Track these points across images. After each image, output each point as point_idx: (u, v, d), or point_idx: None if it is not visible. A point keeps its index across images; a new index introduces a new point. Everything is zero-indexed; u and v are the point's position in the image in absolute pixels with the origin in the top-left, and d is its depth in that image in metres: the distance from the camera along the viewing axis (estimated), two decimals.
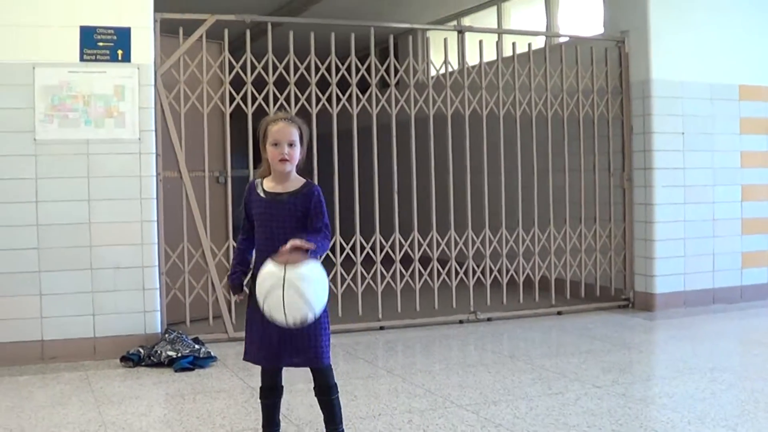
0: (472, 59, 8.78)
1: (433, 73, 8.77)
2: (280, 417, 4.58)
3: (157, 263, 7.20)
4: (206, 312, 7.76)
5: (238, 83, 7.81)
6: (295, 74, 7.98)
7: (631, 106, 9.10)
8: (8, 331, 6.79)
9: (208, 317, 7.76)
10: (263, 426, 4.52)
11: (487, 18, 12.10)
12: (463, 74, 8.64)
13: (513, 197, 8.93)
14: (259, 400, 4.55)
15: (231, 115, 7.89)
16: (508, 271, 8.88)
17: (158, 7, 7.28)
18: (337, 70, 8.19)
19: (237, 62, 7.82)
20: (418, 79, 8.67)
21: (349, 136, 8.20)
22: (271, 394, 4.46)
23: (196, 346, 6.86)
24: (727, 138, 9.28)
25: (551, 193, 9.00)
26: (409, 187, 8.57)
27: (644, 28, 8.91)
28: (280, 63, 7.92)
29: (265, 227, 4.29)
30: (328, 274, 7.23)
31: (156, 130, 7.25)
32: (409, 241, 8.46)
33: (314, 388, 4.43)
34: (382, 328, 8.22)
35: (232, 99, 7.83)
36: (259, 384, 4.49)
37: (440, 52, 8.68)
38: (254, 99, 7.84)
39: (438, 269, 8.57)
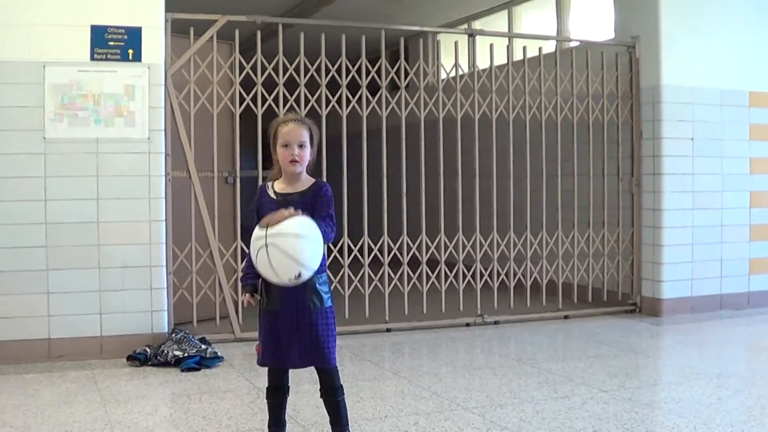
0: (482, 63, 8.78)
1: (443, 76, 8.77)
2: (286, 417, 4.59)
3: (164, 263, 7.21)
4: (213, 312, 7.77)
5: (248, 84, 7.82)
6: (305, 76, 7.99)
7: (641, 112, 9.09)
8: (15, 329, 6.80)
9: (215, 317, 7.76)
10: (269, 426, 4.53)
11: (497, 22, 12.10)
12: (474, 78, 8.64)
13: (522, 201, 8.93)
14: (265, 400, 4.56)
15: (241, 115, 7.89)
16: (515, 274, 8.87)
17: (169, 7, 7.29)
18: (348, 71, 8.20)
19: (247, 63, 7.83)
20: (428, 81, 8.68)
21: (358, 138, 8.21)
22: (277, 394, 4.47)
23: (203, 346, 6.87)
24: (736, 144, 9.26)
25: (560, 197, 8.99)
26: (417, 189, 8.58)
27: (655, 34, 8.90)
28: (291, 64, 7.92)
29: None
30: (335, 276, 7.26)
31: (165, 130, 7.26)
32: (417, 244, 8.46)
33: (320, 389, 4.43)
34: (388, 330, 8.22)
35: (242, 99, 7.84)
36: (266, 384, 4.49)
37: (451, 56, 8.68)
38: (264, 100, 7.85)
39: (445, 272, 8.56)
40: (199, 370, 6.59)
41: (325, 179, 7.74)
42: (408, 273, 8.41)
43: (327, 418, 4.46)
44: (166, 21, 7.30)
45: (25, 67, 6.82)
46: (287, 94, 7.88)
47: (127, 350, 6.85)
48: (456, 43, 8.61)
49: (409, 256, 8.44)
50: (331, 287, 4.50)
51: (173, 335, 7.02)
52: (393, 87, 8.67)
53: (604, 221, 9.15)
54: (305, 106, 7.91)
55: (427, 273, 8.49)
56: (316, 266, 4.08)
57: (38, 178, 6.84)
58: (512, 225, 8.85)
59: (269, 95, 7.84)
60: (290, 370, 4.46)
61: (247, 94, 7.81)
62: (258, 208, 4.42)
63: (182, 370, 6.55)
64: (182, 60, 7.54)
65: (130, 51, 7.05)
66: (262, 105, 7.85)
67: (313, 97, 7.99)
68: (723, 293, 9.26)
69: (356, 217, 8.17)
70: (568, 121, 8.99)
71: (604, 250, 9.17)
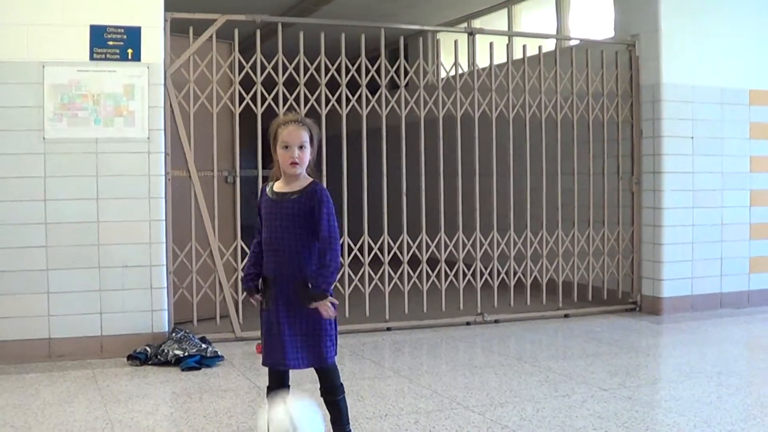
0: (482, 61, 8.78)
1: (443, 74, 8.77)
2: None
3: (164, 262, 7.22)
4: (213, 311, 7.77)
5: (247, 83, 7.82)
6: (305, 75, 7.99)
7: (641, 110, 9.09)
8: (16, 329, 6.81)
9: (215, 316, 7.77)
10: None
11: (497, 20, 12.10)
12: (473, 76, 8.64)
13: (522, 199, 8.93)
14: (266, 400, 4.55)
15: (240, 115, 7.89)
16: (515, 273, 8.88)
17: (168, 7, 7.29)
18: (347, 71, 8.20)
19: (247, 62, 7.83)
20: (428, 80, 8.68)
21: (358, 137, 8.21)
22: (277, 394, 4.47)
23: (203, 346, 6.87)
24: (736, 143, 9.26)
25: (560, 195, 8.99)
26: (417, 188, 8.58)
27: (655, 32, 8.90)
28: (290, 63, 7.92)
29: (270, 226, 4.31)
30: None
31: (165, 130, 7.26)
32: (417, 243, 8.46)
33: (320, 388, 4.44)
34: (389, 329, 8.22)
35: (241, 99, 7.84)
36: (266, 383, 4.50)
37: (450, 54, 8.68)
38: (264, 99, 7.85)
39: (446, 271, 8.56)
40: (199, 369, 6.60)
41: (325, 178, 7.76)
42: (408, 272, 8.41)
43: (328, 417, 4.46)
44: (166, 20, 7.30)
45: (25, 67, 6.82)
46: (287, 93, 7.88)
47: (128, 350, 6.86)
48: (456, 42, 8.61)
49: (409, 255, 8.44)
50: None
51: (173, 334, 7.03)
52: (393, 86, 8.67)
53: (604, 220, 9.15)
54: (305, 106, 7.91)
55: (427, 272, 8.49)
56: None
57: (38, 178, 6.84)
58: (512, 224, 8.85)
59: (269, 94, 7.83)
60: (291, 370, 4.46)
61: (247, 94, 7.81)
62: (258, 207, 4.45)
63: (182, 370, 6.56)
64: (182, 59, 7.54)
65: (130, 51, 7.05)
66: (262, 104, 7.85)
67: (312, 96, 7.99)
68: (723, 292, 9.27)
69: (356, 216, 8.17)
70: (568, 119, 8.99)
71: (604, 248, 9.17)
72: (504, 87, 8.78)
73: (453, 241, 8.63)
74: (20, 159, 6.81)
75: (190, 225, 7.62)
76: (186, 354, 6.68)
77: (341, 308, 7.82)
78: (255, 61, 7.83)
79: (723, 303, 9.25)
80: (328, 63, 8.08)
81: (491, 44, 8.77)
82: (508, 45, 8.96)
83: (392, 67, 8.45)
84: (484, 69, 8.77)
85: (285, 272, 4.25)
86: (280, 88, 7.87)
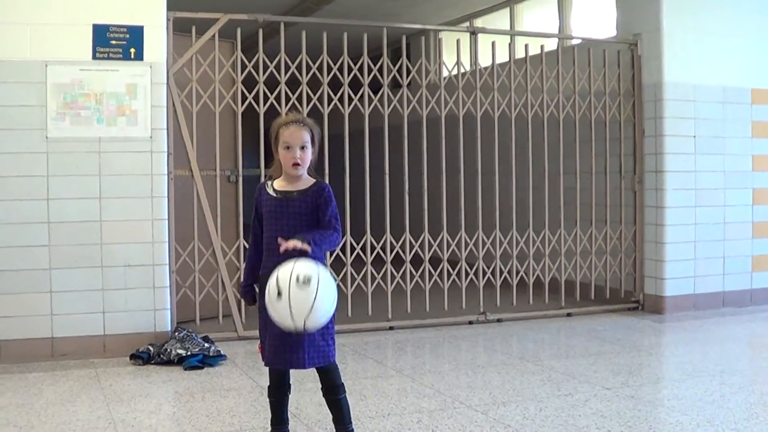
0: (484, 60, 8.78)
1: (445, 74, 8.78)
2: (289, 415, 4.59)
3: (167, 261, 7.22)
4: (216, 310, 7.78)
5: (250, 82, 7.83)
6: (307, 74, 7.99)
7: (643, 109, 9.09)
8: (19, 328, 6.81)
9: (218, 316, 7.78)
10: (272, 424, 4.54)
11: (499, 19, 12.09)
12: (476, 75, 8.64)
13: (524, 199, 8.93)
14: (267, 399, 4.56)
15: (243, 114, 7.90)
16: (518, 272, 8.88)
17: (171, 6, 7.29)
18: (350, 70, 8.19)
19: (249, 61, 7.83)
20: (430, 79, 8.67)
21: (360, 137, 8.20)
22: (278, 393, 4.48)
23: (206, 345, 6.87)
24: (738, 141, 9.26)
25: (562, 195, 8.99)
26: (420, 187, 8.57)
27: (657, 31, 8.90)
28: (293, 62, 7.92)
29: (274, 226, 4.32)
30: (338, 274, 7.28)
31: (168, 129, 7.26)
32: (419, 242, 8.46)
33: (321, 388, 4.44)
34: (391, 328, 8.22)
35: (244, 98, 7.85)
36: (267, 383, 4.50)
37: (452, 53, 8.68)
38: (266, 98, 7.85)
39: (448, 270, 8.57)
40: (202, 368, 6.60)
41: (327, 178, 7.76)
42: (411, 271, 8.41)
43: (330, 416, 4.47)
44: (168, 20, 7.30)
45: (27, 66, 6.82)
46: (289, 92, 7.89)
47: (130, 349, 6.86)
48: (458, 41, 8.61)
49: (412, 254, 8.44)
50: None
51: (176, 334, 7.03)
52: (395, 85, 8.67)
53: (606, 219, 9.15)
54: (307, 105, 7.91)
55: (429, 271, 8.49)
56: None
57: (41, 177, 6.84)
58: (515, 222, 8.85)
59: (271, 94, 7.84)
60: (291, 369, 4.47)
61: (249, 93, 7.81)
62: (257, 206, 4.45)
63: (185, 369, 6.56)
64: (184, 59, 7.54)
65: (132, 50, 7.06)
66: (264, 103, 7.85)
67: (315, 95, 7.98)
68: (726, 290, 9.26)
69: (358, 216, 8.17)
70: (570, 118, 8.99)
71: (606, 247, 9.17)
72: (506, 86, 8.78)
73: (455, 240, 8.63)
74: (23, 158, 6.81)
75: (192, 224, 7.63)
76: (189, 353, 6.68)
77: (344, 307, 7.84)
78: (257, 61, 7.83)
79: (725, 302, 9.24)
80: (330, 62, 8.08)
81: (493, 43, 8.76)
82: (510, 44, 8.96)
83: (394, 66, 8.45)
84: (486, 68, 8.77)
85: None
86: (283, 88, 7.87)
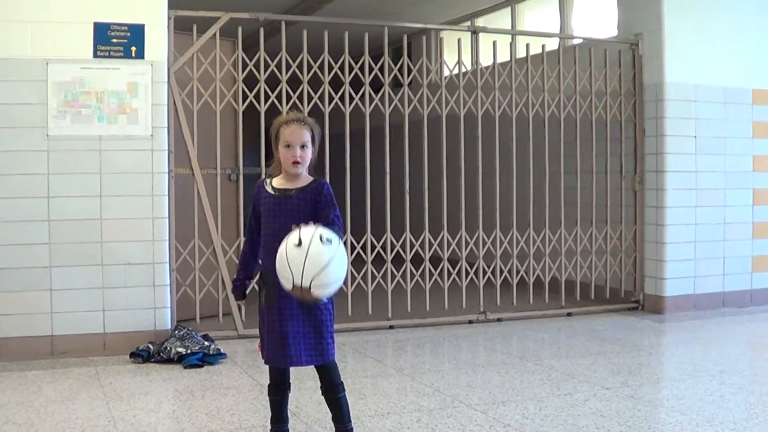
0: (485, 60, 8.78)
1: (446, 73, 8.78)
2: (289, 414, 4.59)
3: (167, 260, 7.22)
4: (216, 309, 7.78)
5: (251, 81, 7.83)
6: (308, 73, 7.99)
7: (644, 109, 9.09)
8: (19, 326, 6.82)
9: (218, 314, 7.78)
10: (272, 422, 4.54)
11: (500, 19, 12.09)
12: (477, 75, 8.64)
13: (524, 198, 8.93)
14: (267, 397, 4.57)
15: (243, 112, 7.90)
16: (518, 271, 8.88)
17: (172, 5, 7.29)
18: (351, 69, 8.19)
19: (250, 60, 7.84)
20: (431, 79, 8.67)
21: (361, 136, 8.20)
22: (278, 391, 4.48)
23: (206, 343, 6.88)
24: (739, 142, 9.26)
25: (563, 194, 8.99)
26: (420, 186, 8.57)
27: (658, 31, 8.90)
28: (294, 61, 7.92)
29: (273, 223, 4.33)
30: None
31: (168, 127, 7.26)
32: (419, 241, 8.46)
33: (321, 386, 4.45)
34: (391, 327, 8.22)
35: (244, 97, 7.85)
36: (267, 381, 4.50)
37: (454, 53, 8.68)
38: (267, 97, 7.85)
39: (448, 269, 8.57)
40: (201, 366, 6.60)
41: (328, 177, 7.76)
42: (411, 270, 8.41)
43: (330, 414, 4.47)
44: (169, 18, 7.30)
45: (28, 64, 6.83)
46: (290, 91, 7.89)
47: (130, 347, 6.87)
48: (459, 41, 8.61)
49: (412, 253, 8.44)
50: None
51: (176, 332, 7.03)
52: (396, 84, 8.66)
53: (606, 218, 9.15)
54: (308, 104, 7.91)
55: (429, 270, 8.49)
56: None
57: (41, 175, 6.84)
58: (515, 222, 8.85)
59: (272, 92, 7.85)
60: (291, 368, 4.47)
61: (250, 91, 7.82)
62: (255, 204, 4.46)
63: (185, 367, 6.56)
64: (185, 57, 7.54)
65: (133, 48, 7.06)
66: (265, 102, 7.85)
67: (316, 94, 7.99)
68: (726, 291, 9.26)
69: (359, 215, 8.17)
70: (571, 118, 8.99)
71: (606, 247, 9.17)
72: (507, 85, 8.77)
73: (456, 240, 8.63)
74: (24, 156, 6.82)
75: (193, 222, 7.63)
76: (188, 351, 6.69)
77: (344, 306, 7.84)
78: (258, 59, 7.83)
79: (726, 302, 9.24)
80: (331, 61, 8.08)
81: (494, 43, 8.76)
82: (511, 44, 8.96)
83: (395, 65, 8.44)
84: (487, 67, 8.77)
85: None
86: (284, 86, 7.88)
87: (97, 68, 6.99)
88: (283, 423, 4.54)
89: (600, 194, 9.15)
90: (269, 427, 4.57)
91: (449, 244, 8.61)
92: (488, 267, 8.73)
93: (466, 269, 8.63)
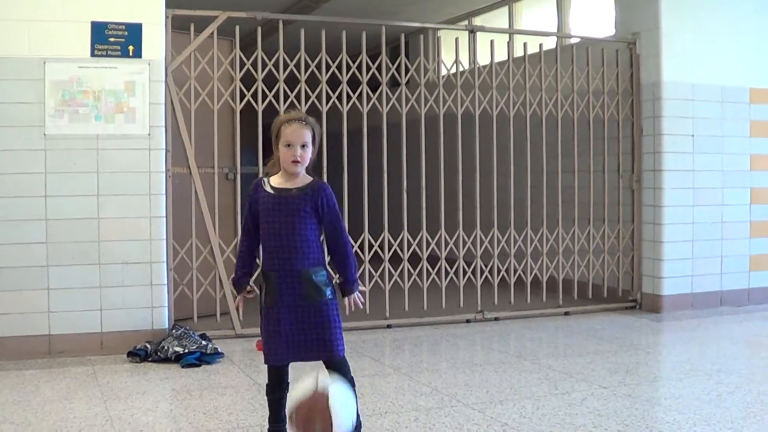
0: (483, 59, 8.78)
1: (443, 72, 8.78)
2: (286, 413, 4.59)
3: (165, 259, 7.22)
4: (213, 308, 7.78)
5: (248, 80, 7.83)
6: (305, 72, 7.98)
7: (642, 108, 9.09)
8: (16, 325, 6.81)
9: (216, 313, 7.78)
10: (269, 422, 4.54)
11: (498, 18, 12.09)
12: (474, 74, 8.64)
13: (522, 197, 8.93)
14: (265, 397, 4.57)
15: (241, 111, 7.90)
16: (516, 270, 8.88)
17: (170, 4, 7.29)
18: (348, 68, 8.19)
19: (248, 59, 7.83)
20: (428, 78, 8.67)
21: (359, 135, 8.20)
22: (277, 391, 4.48)
23: (203, 342, 6.88)
24: (736, 141, 9.26)
25: (560, 193, 8.99)
26: (418, 185, 8.57)
27: (656, 30, 8.90)
28: (291, 60, 7.92)
29: (273, 222, 4.33)
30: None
31: (166, 126, 7.26)
32: (417, 240, 8.46)
33: None
34: (389, 326, 8.22)
35: (242, 96, 7.85)
36: (266, 381, 4.50)
37: (451, 52, 8.67)
38: (264, 96, 7.85)
39: (446, 268, 8.56)
40: (199, 366, 6.60)
41: (325, 176, 7.75)
42: (408, 269, 8.41)
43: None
44: (167, 17, 7.29)
45: (26, 63, 6.82)
46: (287, 90, 7.89)
47: (128, 346, 6.86)
48: (456, 40, 8.61)
49: (410, 252, 8.44)
50: (333, 282, 4.53)
51: (173, 331, 7.02)
52: (393, 83, 8.67)
53: (604, 218, 9.15)
54: (305, 103, 7.91)
55: (427, 269, 8.49)
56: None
57: (38, 175, 6.84)
58: (513, 221, 8.85)
59: (269, 91, 7.84)
60: (289, 367, 4.47)
61: (248, 91, 7.82)
62: (252, 203, 4.45)
63: (182, 366, 6.56)
64: (183, 56, 7.54)
65: (131, 47, 7.06)
66: (263, 101, 7.85)
67: (313, 93, 7.99)
68: (723, 290, 9.27)
69: (357, 214, 8.17)
70: (568, 117, 8.99)
71: (604, 246, 9.17)
72: (505, 85, 8.78)
73: (453, 239, 8.63)
74: (21, 155, 6.81)
75: (190, 222, 7.63)
76: (186, 351, 6.68)
77: (342, 305, 7.82)
78: (256, 58, 7.83)
79: (723, 301, 9.25)
80: (329, 60, 8.08)
81: (492, 42, 8.75)
82: (508, 43, 8.95)
83: (393, 64, 8.44)
84: (485, 67, 8.77)
85: (289, 267, 4.28)
86: (281, 85, 7.87)
87: (95, 67, 6.98)
88: (281, 422, 4.53)
89: (597, 193, 9.15)
90: (267, 427, 4.57)
91: (447, 244, 8.61)
92: (486, 266, 8.73)
93: (464, 268, 8.63)
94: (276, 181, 4.41)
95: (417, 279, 8.44)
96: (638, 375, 6.37)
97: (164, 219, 7.19)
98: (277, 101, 7.85)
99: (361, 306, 4.61)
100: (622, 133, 9.14)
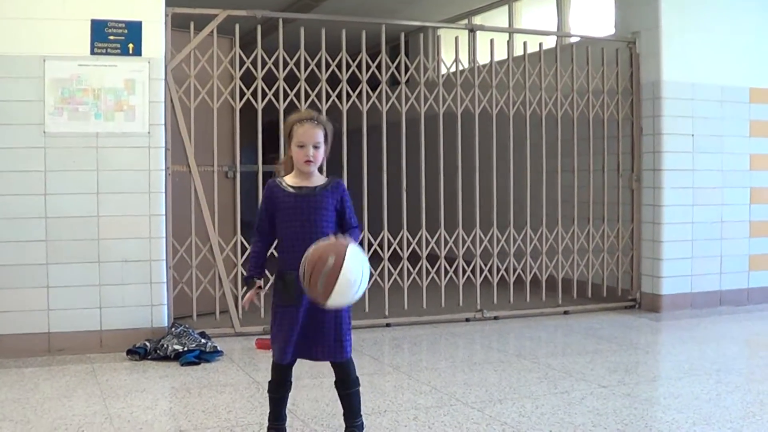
0: (482, 58, 8.77)
1: (443, 71, 8.77)
2: (286, 412, 4.60)
3: (164, 257, 7.22)
4: (213, 306, 7.78)
5: (248, 78, 7.82)
6: (305, 70, 7.98)
7: (641, 107, 9.09)
8: (15, 323, 6.81)
9: (215, 311, 7.78)
10: (270, 420, 4.54)
11: (498, 17, 12.09)
12: (474, 73, 8.63)
13: (521, 196, 8.93)
14: (266, 394, 4.58)
15: (241, 110, 7.90)
16: (515, 270, 8.87)
17: (170, 2, 7.29)
18: (348, 67, 8.18)
19: (248, 58, 7.83)
20: (428, 77, 8.67)
21: (358, 133, 8.20)
22: (280, 389, 4.49)
23: (203, 340, 6.87)
24: (736, 140, 9.26)
25: (560, 192, 8.99)
26: (417, 184, 8.57)
27: (656, 30, 8.89)
28: (291, 59, 7.92)
29: (295, 221, 4.35)
30: None
31: (166, 124, 7.26)
32: (416, 239, 8.46)
33: (335, 381, 4.48)
34: (388, 325, 8.22)
35: (242, 94, 7.85)
36: (267, 378, 4.51)
37: (451, 51, 8.67)
38: (264, 94, 7.85)
39: (445, 267, 8.56)
40: (198, 364, 6.59)
41: (324, 174, 7.73)
42: (408, 268, 8.40)
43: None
44: (167, 15, 7.29)
45: (25, 61, 6.81)
46: (287, 88, 7.89)
47: (127, 344, 6.85)
48: (456, 39, 8.60)
49: (409, 251, 8.43)
50: None
51: (173, 329, 7.02)
52: (393, 82, 8.67)
53: (603, 217, 9.15)
54: (305, 101, 7.91)
55: (426, 268, 8.49)
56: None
57: (38, 173, 6.84)
58: (512, 220, 8.85)
59: (269, 90, 7.84)
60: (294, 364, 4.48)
61: (248, 89, 7.81)
62: (269, 204, 4.45)
63: (182, 364, 6.56)
64: (182, 54, 7.54)
65: (131, 45, 7.05)
66: (263, 99, 7.85)
67: (313, 92, 7.98)
68: (723, 289, 9.26)
69: (356, 213, 8.13)
70: (568, 116, 8.99)
71: (603, 245, 9.17)
72: (504, 84, 8.78)
73: (453, 238, 8.63)
74: (20, 153, 6.81)
75: (190, 220, 7.62)
76: (185, 349, 6.68)
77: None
78: (256, 57, 7.82)
79: (722, 300, 9.25)
80: (328, 59, 8.08)
81: (492, 41, 8.75)
82: (508, 42, 8.94)
83: (393, 63, 8.44)
84: (484, 66, 8.77)
85: None
86: (281, 84, 7.87)
87: (95, 65, 6.98)
88: (282, 421, 4.55)
89: (597, 192, 9.15)
90: (267, 425, 4.58)
91: (446, 242, 8.61)
92: (485, 265, 8.73)
93: (464, 267, 8.63)
94: (292, 180, 4.43)
95: (416, 278, 8.44)
96: (637, 374, 6.37)
97: (164, 217, 7.19)
98: (277, 100, 7.85)
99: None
100: (621, 133, 9.14)
